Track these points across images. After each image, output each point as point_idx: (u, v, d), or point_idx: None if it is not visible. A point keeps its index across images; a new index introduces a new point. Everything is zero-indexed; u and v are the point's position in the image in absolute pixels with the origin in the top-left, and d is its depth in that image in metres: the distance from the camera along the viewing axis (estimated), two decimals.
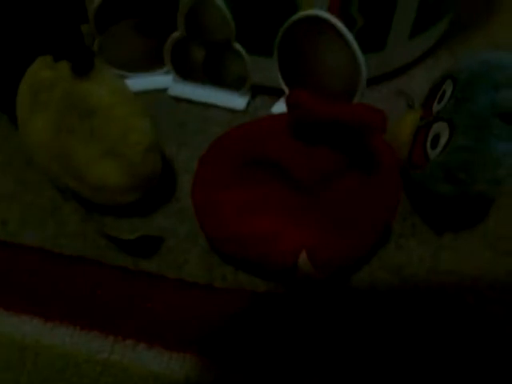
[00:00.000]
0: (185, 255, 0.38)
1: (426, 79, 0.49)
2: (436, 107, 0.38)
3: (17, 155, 0.46)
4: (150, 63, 0.50)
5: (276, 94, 0.48)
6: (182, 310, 0.36)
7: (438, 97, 0.38)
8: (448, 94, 0.36)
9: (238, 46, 0.44)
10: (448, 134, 0.35)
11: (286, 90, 0.46)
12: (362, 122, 0.28)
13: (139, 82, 0.50)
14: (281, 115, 0.34)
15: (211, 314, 0.36)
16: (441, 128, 0.36)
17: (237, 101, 0.48)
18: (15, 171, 0.45)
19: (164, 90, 0.50)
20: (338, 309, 0.35)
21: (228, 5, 0.42)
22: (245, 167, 0.34)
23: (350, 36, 0.39)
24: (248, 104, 0.49)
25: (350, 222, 0.33)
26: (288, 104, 0.31)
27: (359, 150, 0.31)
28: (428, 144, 0.37)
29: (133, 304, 0.36)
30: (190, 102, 0.49)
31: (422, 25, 0.46)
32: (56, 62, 0.37)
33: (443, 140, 0.35)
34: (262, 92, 0.49)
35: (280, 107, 0.47)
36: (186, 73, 0.49)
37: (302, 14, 0.40)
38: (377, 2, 0.42)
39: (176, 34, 0.46)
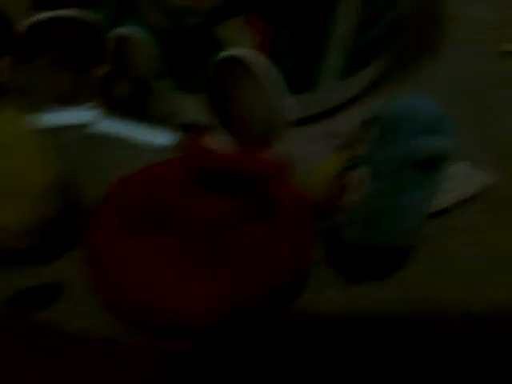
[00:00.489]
0: (85, 306, 0.35)
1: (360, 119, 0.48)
2: (358, 151, 0.37)
3: None
4: (74, 97, 0.48)
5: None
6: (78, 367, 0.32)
7: (364, 139, 0.37)
8: (369, 138, 0.35)
9: (163, 83, 0.43)
10: (368, 180, 0.34)
11: (214, 125, 0.45)
12: (252, 171, 0.26)
13: (60, 116, 0.48)
14: (177, 160, 0.32)
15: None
16: (361, 174, 0.34)
17: (161, 137, 0.46)
18: None
19: (87, 125, 0.48)
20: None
21: (154, 42, 0.41)
22: (142, 216, 0.31)
23: (265, 78, 0.38)
24: (175, 141, 0.46)
25: (254, 271, 0.30)
26: (183, 154, 0.29)
27: (259, 197, 0.29)
28: (345, 191, 0.35)
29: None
30: (114, 137, 0.47)
31: (354, 66, 0.46)
32: None
33: (363, 186, 0.34)
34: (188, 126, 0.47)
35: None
36: (110, 107, 0.47)
37: (222, 54, 0.39)
38: (307, 42, 0.41)
39: (100, 70, 0.44)
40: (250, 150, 0.35)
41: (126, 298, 0.31)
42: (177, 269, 0.31)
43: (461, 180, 0.43)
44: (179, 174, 0.30)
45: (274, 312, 0.34)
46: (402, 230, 0.31)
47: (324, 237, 0.38)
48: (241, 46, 0.39)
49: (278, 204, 0.31)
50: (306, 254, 0.32)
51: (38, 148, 0.35)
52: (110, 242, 0.31)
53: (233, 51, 0.39)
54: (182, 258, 0.31)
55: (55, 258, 0.38)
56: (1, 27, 0.45)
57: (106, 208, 0.33)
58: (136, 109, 0.46)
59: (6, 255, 0.36)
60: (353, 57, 0.44)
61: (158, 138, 0.46)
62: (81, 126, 0.48)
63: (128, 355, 0.33)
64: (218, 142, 0.41)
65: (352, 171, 0.36)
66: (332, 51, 0.42)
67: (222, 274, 0.30)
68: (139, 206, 0.31)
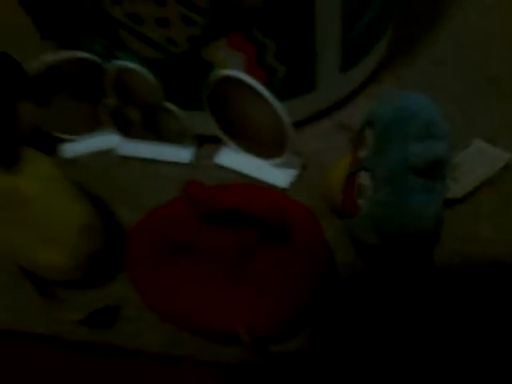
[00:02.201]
0: (141, 324, 0.39)
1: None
2: (360, 154, 0.38)
3: None
4: (94, 125, 0.51)
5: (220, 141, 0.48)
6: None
7: (362, 143, 0.38)
8: (369, 141, 0.36)
9: (169, 105, 0.45)
10: (371, 185, 0.35)
11: (226, 139, 0.47)
12: (256, 212, 0.28)
13: (86, 144, 0.51)
14: (183, 199, 0.34)
15: None
16: (364, 178, 0.36)
17: (181, 154, 0.49)
18: None
19: (112, 150, 0.51)
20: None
21: (151, 70, 0.42)
22: (170, 248, 0.35)
23: (264, 90, 0.39)
24: (194, 155, 0.49)
25: (275, 289, 0.33)
26: (186, 196, 0.32)
27: (267, 222, 0.31)
28: (355, 193, 0.37)
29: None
30: (138, 159, 0.50)
31: (351, 58, 0.46)
32: None
33: (367, 191, 0.35)
34: (208, 141, 0.49)
35: (223, 158, 0.48)
36: (128, 132, 0.49)
37: (217, 74, 0.41)
38: (294, 48, 0.42)
39: (109, 101, 0.46)
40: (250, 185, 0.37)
41: (168, 313, 0.35)
42: (205, 290, 0.35)
43: (479, 160, 0.42)
44: (190, 211, 0.33)
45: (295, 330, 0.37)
46: (412, 232, 0.32)
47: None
48: (230, 65, 0.41)
49: (286, 222, 0.33)
50: (320, 272, 0.35)
51: (69, 194, 0.38)
52: (147, 269, 0.35)
53: (225, 71, 0.40)
54: (210, 281, 0.34)
55: (108, 280, 0.42)
56: (13, 73, 0.48)
57: (138, 239, 0.36)
58: (151, 130, 0.48)
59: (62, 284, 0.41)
60: (348, 49, 0.44)
61: (177, 154, 0.49)
62: (104, 152, 0.51)
63: (186, 367, 0.37)
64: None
65: (354, 175, 0.37)
66: (324, 49, 0.43)
67: (246, 292, 0.34)
68: (163, 240, 0.35)
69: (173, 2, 0.36)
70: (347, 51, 0.44)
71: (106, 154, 0.51)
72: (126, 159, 0.50)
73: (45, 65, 0.45)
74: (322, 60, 0.43)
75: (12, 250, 0.40)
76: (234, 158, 0.47)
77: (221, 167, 0.48)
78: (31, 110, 0.48)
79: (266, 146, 0.45)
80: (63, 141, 0.51)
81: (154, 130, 0.48)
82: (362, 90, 0.51)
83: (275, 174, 0.45)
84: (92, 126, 0.51)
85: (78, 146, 0.51)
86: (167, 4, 0.36)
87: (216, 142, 0.48)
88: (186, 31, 0.38)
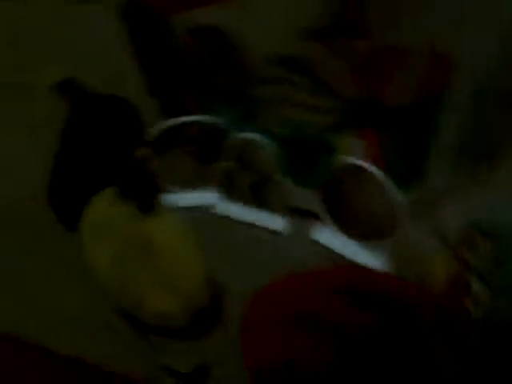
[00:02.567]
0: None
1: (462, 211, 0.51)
2: (467, 254, 0.40)
3: None
4: (199, 181, 0.54)
5: (314, 216, 0.51)
6: None
7: (469, 244, 0.41)
8: (483, 247, 0.39)
9: (281, 178, 0.48)
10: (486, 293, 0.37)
11: (327, 218, 0.50)
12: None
13: (187, 198, 0.54)
14: (323, 273, 0.37)
15: None
16: (477, 284, 0.38)
17: (277, 222, 0.52)
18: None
19: (210, 206, 0.54)
20: None
21: (274, 146, 0.46)
22: (292, 316, 0.36)
23: (386, 181, 0.43)
24: (289, 225, 0.52)
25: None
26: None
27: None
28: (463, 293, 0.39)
29: None
30: (234, 219, 0.53)
31: (463, 161, 0.49)
32: (123, 198, 0.41)
33: (482, 298, 0.37)
34: (302, 213, 0.52)
35: (320, 234, 0.50)
36: (231, 193, 0.53)
37: (340, 160, 0.44)
38: (414, 146, 0.46)
39: (226, 164, 0.50)
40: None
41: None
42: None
43: None
44: (326, 284, 0.35)
45: None
46: None
47: None
48: (352, 152, 0.45)
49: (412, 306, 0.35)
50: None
51: (195, 248, 0.41)
52: (268, 336, 0.37)
53: (350, 159, 0.44)
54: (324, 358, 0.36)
55: (204, 335, 0.43)
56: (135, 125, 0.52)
57: (259, 306, 0.38)
58: (255, 196, 0.52)
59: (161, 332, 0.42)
60: (462, 154, 0.48)
61: (273, 221, 0.52)
62: (202, 208, 0.54)
63: None
64: None
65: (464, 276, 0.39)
66: (439, 149, 0.46)
67: None
68: (289, 307, 0.36)
69: (323, 93, 0.40)
70: (460, 155, 0.48)
71: (205, 209, 0.54)
72: (223, 217, 0.53)
73: (175, 124, 0.49)
74: (435, 156, 0.47)
75: (127, 291, 0.41)
76: (331, 237, 0.50)
77: (313, 241, 0.50)
78: (149, 157, 0.52)
79: (367, 230, 0.47)
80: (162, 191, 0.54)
81: (257, 196, 0.51)
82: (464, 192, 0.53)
83: (370, 257, 0.48)
84: (196, 182, 0.54)
85: (179, 199, 0.54)
86: (318, 95, 0.40)
87: (310, 216, 0.51)
88: (324, 118, 0.42)
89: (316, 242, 0.50)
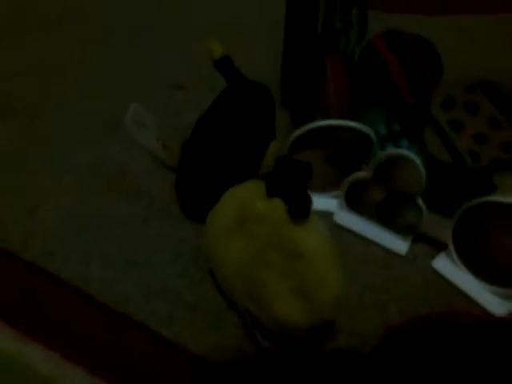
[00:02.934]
0: None
1: None
2: None
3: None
4: (326, 186, 0.52)
5: (436, 245, 0.49)
6: None
7: None
8: None
9: (420, 202, 0.46)
10: None
11: (454, 251, 0.47)
12: None
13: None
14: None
15: None
16: None
17: (399, 244, 0.50)
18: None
19: (328, 214, 0.52)
20: None
21: (425, 165, 0.44)
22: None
23: None
24: (410, 249, 0.50)
25: None
26: None
27: None
28: None
29: None
30: (350, 232, 0.51)
31: None
32: (272, 196, 0.40)
33: None
34: (423, 239, 0.50)
35: (443, 263, 0.48)
36: (356, 205, 0.51)
37: (493, 199, 0.42)
38: None
39: (362, 174, 0.48)
40: None
41: None
42: None
43: None
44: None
45: None
46: None
47: None
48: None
49: None
50: None
51: (336, 262, 0.39)
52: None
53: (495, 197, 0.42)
54: None
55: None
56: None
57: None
58: (382, 214, 0.50)
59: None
60: None
61: (394, 242, 0.50)
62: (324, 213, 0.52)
63: None
64: None
65: None
66: None
67: None
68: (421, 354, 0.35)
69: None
70: None
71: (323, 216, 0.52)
72: (340, 227, 0.51)
73: (320, 126, 0.47)
74: None
75: (256, 291, 0.40)
76: (452, 268, 0.48)
77: (434, 269, 0.48)
78: (279, 150, 0.50)
79: (499, 275, 0.45)
80: None
81: (386, 214, 0.49)
82: None
83: (495, 300, 0.46)
84: (325, 187, 0.52)
85: None
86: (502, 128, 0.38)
87: (432, 244, 0.49)
88: (496, 153, 0.40)
89: (436, 272, 0.48)
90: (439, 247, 0.49)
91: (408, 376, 0.37)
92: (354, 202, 0.51)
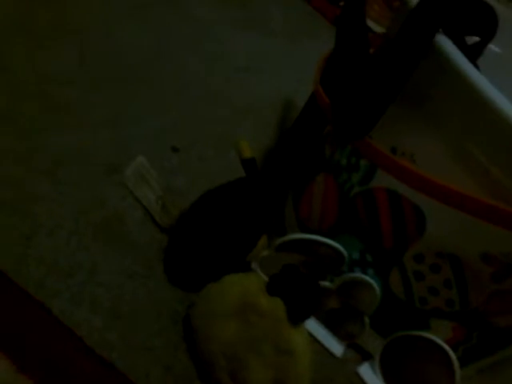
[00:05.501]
0: None
1: None
2: None
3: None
4: None
5: (365, 354, 0.60)
6: None
7: None
8: None
9: (367, 319, 0.57)
10: None
11: (378, 368, 0.59)
12: None
13: None
14: None
15: None
16: None
17: (336, 346, 0.60)
18: None
19: None
20: None
21: (381, 294, 0.55)
22: None
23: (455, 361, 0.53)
24: (344, 353, 0.60)
25: None
26: None
27: None
28: None
29: None
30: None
31: None
32: (271, 295, 0.48)
33: None
34: (355, 347, 0.61)
35: (365, 370, 0.60)
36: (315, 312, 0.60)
37: (424, 336, 0.55)
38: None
39: (326, 284, 0.58)
40: None
41: None
42: None
43: None
44: None
45: None
46: None
47: None
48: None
49: None
50: None
51: (310, 356, 0.48)
52: None
53: (426, 334, 0.54)
54: None
55: None
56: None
57: None
58: (331, 318, 0.60)
59: None
60: None
61: (332, 343, 0.60)
62: None
63: None
64: None
65: None
66: None
67: None
68: None
69: None
70: None
71: None
72: None
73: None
74: None
75: (237, 372, 0.47)
76: (374, 378, 0.60)
77: (358, 375, 0.59)
78: (263, 243, 0.59)
79: None
80: None
81: (332, 320, 0.60)
82: None
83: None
84: None
85: None
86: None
87: (362, 353, 0.61)
88: (440, 305, 0.52)
89: (360, 378, 0.59)
90: (367, 356, 0.60)
91: None
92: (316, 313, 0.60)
